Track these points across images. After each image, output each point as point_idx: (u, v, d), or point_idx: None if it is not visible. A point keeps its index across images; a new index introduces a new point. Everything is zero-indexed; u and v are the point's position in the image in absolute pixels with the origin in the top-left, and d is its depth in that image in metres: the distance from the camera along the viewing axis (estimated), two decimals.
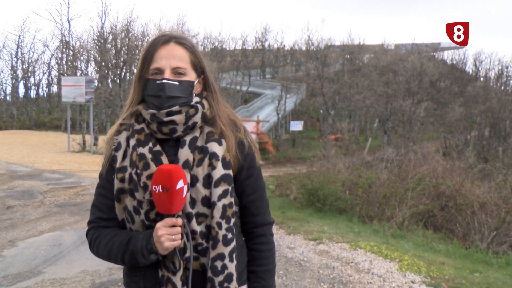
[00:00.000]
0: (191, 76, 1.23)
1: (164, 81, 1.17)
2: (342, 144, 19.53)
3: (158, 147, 1.21)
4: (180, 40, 1.23)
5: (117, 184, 1.21)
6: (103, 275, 3.98)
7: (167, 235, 1.11)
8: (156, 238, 1.12)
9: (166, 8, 76.12)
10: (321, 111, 31.25)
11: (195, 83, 1.25)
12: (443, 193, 7.44)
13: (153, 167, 1.16)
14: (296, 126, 26.57)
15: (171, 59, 1.19)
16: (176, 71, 1.20)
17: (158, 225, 1.12)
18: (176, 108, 1.18)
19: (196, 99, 1.25)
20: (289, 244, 5.21)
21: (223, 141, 1.24)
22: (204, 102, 1.27)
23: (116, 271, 4.07)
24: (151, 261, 1.16)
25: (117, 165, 1.22)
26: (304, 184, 8.66)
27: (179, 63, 1.20)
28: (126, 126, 1.26)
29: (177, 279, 1.16)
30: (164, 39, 1.22)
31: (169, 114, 1.18)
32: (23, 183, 8.94)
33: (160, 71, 1.19)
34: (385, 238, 5.92)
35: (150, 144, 1.20)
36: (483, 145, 26.64)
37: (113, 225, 1.25)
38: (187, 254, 1.17)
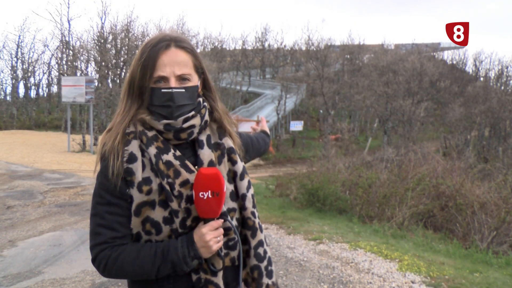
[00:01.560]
0: (194, 80, 1.21)
1: (172, 90, 1.14)
2: (342, 144, 19.54)
3: (178, 152, 1.18)
4: (180, 43, 1.18)
5: (140, 198, 1.12)
6: None
7: (214, 238, 1.11)
8: (203, 243, 1.10)
9: (166, 8, 76.24)
10: (321, 111, 31.24)
11: (198, 86, 1.24)
12: (443, 193, 7.44)
13: (184, 174, 1.13)
14: (296, 126, 26.59)
15: (175, 66, 1.15)
16: (181, 78, 1.16)
17: (204, 230, 1.10)
18: (192, 113, 1.18)
19: (199, 99, 1.25)
20: (289, 244, 5.21)
21: (230, 136, 1.29)
22: (204, 98, 1.29)
23: None
24: (192, 268, 1.13)
25: (138, 177, 1.12)
26: (304, 184, 8.66)
27: (184, 70, 1.16)
28: (134, 134, 1.17)
29: (219, 279, 1.15)
30: (164, 44, 1.16)
31: (186, 120, 1.16)
32: (23, 183, 8.94)
33: (164, 79, 1.15)
34: (385, 238, 5.92)
35: (172, 150, 1.16)
36: (483, 145, 26.63)
37: (127, 242, 1.15)
38: (222, 252, 1.18)
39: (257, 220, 1.25)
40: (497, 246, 5.75)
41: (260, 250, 1.23)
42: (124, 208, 1.14)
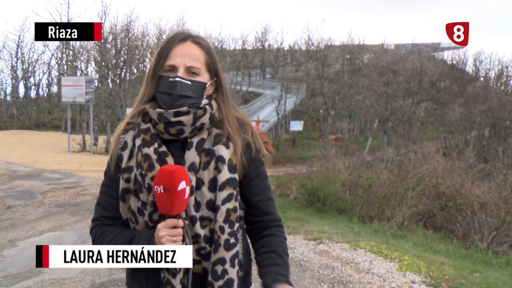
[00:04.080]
0: (204, 77, 1.22)
1: (177, 79, 1.16)
2: (342, 144, 19.52)
3: (163, 148, 1.19)
4: (197, 39, 1.23)
5: (122, 184, 1.20)
6: (103, 275, 3.98)
7: (168, 236, 1.10)
8: (157, 239, 1.11)
9: (166, 8, 76.08)
10: (321, 111, 31.24)
11: (207, 85, 1.23)
12: (443, 193, 7.44)
13: (157, 168, 1.15)
14: (296, 126, 26.57)
15: (186, 58, 1.19)
16: (190, 70, 1.19)
17: (159, 226, 1.11)
18: (184, 108, 1.17)
19: (204, 100, 1.23)
20: (289, 244, 5.21)
21: (230, 144, 1.23)
22: (213, 103, 1.25)
23: (116, 271, 4.06)
24: None
25: (123, 165, 1.20)
26: (304, 184, 8.66)
27: (194, 63, 1.19)
28: (133, 125, 1.25)
29: (176, 282, 1.15)
30: (181, 37, 1.21)
31: (177, 114, 1.17)
32: (23, 183, 8.94)
33: (174, 68, 1.19)
34: (385, 238, 5.92)
35: (156, 145, 1.19)
36: (483, 145, 26.62)
37: (117, 224, 1.24)
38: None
39: (224, 237, 1.17)
40: (497, 246, 5.75)
41: (218, 268, 1.17)
42: (116, 191, 1.22)
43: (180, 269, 1.15)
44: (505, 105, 25.83)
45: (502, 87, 35.30)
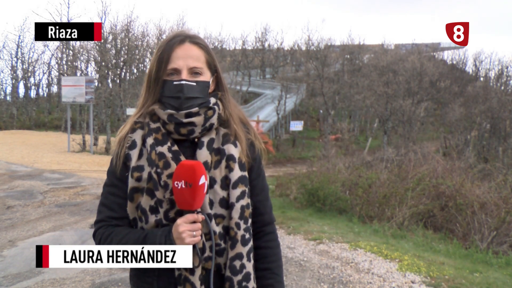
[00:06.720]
0: (206, 75, 1.24)
1: (183, 82, 1.18)
2: (342, 144, 19.54)
3: (175, 147, 1.21)
4: (195, 39, 1.24)
5: (132, 183, 1.20)
6: (103, 275, 3.98)
7: (189, 231, 1.10)
8: (177, 234, 1.11)
9: (166, 8, 76.05)
10: (321, 111, 31.23)
11: (210, 83, 1.26)
12: (443, 193, 7.43)
13: (173, 166, 1.16)
14: (296, 126, 26.55)
15: (188, 59, 1.20)
16: (193, 71, 1.21)
17: (179, 221, 1.11)
18: (195, 109, 1.19)
19: (212, 100, 1.26)
20: (289, 244, 5.21)
21: (237, 143, 1.26)
22: (219, 103, 1.28)
23: (116, 271, 4.06)
24: None
25: (133, 163, 1.20)
26: (304, 184, 8.66)
27: (196, 63, 1.21)
28: (141, 124, 1.25)
29: (195, 279, 1.16)
30: (179, 39, 1.22)
31: (188, 115, 1.18)
32: (23, 183, 8.94)
33: (177, 71, 1.20)
34: (385, 238, 5.92)
35: (169, 143, 1.21)
36: (483, 145, 26.61)
37: (124, 224, 1.23)
38: (206, 254, 1.18)
39: (240, 233, 1.21)
40: (497, 246, 5.75)
41: (236, 263, 1.21)
42: (124, 191, 1.22)
43: (199, 264, 1.16)
44: (505, 105, 25.80)
45: (502, 87, 35.25)
